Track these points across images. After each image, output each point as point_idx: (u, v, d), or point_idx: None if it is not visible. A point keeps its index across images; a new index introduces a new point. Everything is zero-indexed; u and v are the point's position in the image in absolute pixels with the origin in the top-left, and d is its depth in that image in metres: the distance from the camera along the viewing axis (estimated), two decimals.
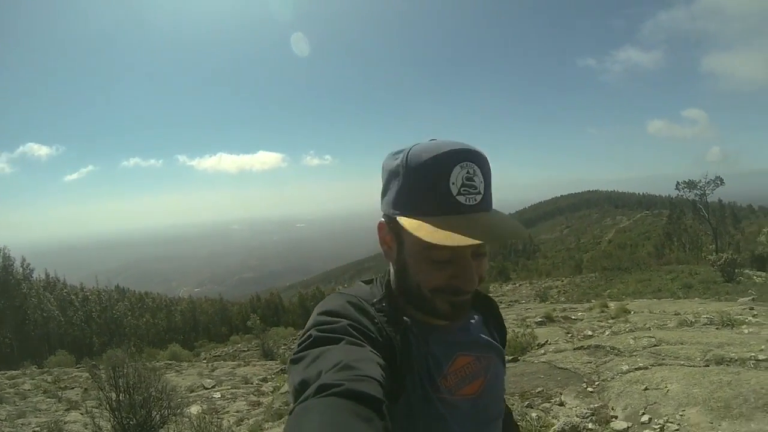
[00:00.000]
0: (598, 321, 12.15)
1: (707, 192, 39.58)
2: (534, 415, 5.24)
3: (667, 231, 53.05)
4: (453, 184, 1.00)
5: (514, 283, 41.75)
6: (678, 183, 40.84)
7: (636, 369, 6.25)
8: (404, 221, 1.03)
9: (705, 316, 10.37)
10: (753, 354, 6.21)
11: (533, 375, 7.08)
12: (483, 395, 1.22)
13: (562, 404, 5.77)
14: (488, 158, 1.09)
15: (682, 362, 6.37)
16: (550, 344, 9.69)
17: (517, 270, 67.34)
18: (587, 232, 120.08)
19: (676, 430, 4.54)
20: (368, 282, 1.27)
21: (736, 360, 6.12)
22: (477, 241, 0.94)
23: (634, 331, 9.36)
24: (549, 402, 5.84)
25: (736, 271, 22.68)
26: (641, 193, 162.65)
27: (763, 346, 6.58)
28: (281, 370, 13.41)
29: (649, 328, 9.55)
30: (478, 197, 1.02)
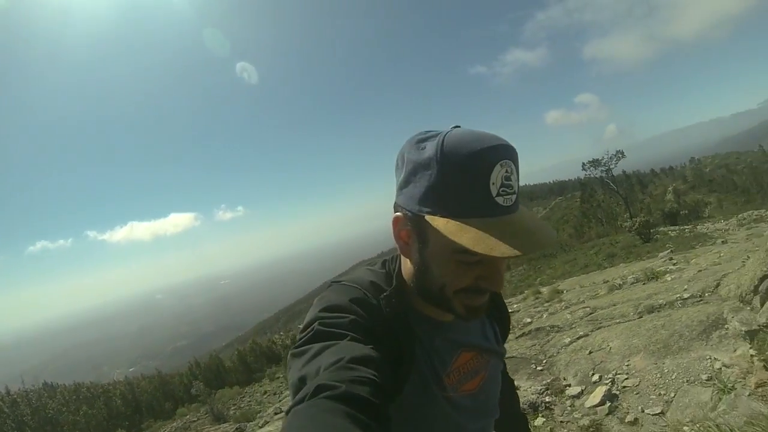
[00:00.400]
0: (534, 307, 12.45)
1: (611, 167, 41.41)
2: None
3: (582, 211, 54.91)
4: (493, 184, 0.92)
5: None
6: (583, 164, 42.60)
7: (577, 338, 6.50)
8: (438, 222, 0.94)
9: (631, 276, 10.86)
10: (678, 295, 6.64)
11: None
12: (482, 391, 1.23)
13: (517, 389, 5.91)
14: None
15: (618, 321, 6.69)
16: None
17: None
18: None
19: (626, 378, 4.76)
20: (373, 266, 1.21)
21: (665, 304, 6.52)
22: (525, 253, 0.88)
23: (569, 307, 9.66)
24: None
25: (651, 231, 23.75)
26: (552, 181, 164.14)
27: (686, 286, 7.04)
28: (237, 429, 13.14)
29: (582, 301, 9.87)
30: (514, 197, 0.96)
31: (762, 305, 4.39)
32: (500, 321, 1.39)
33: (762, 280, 4.51)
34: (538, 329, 8.16)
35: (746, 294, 4.72)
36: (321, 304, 1.04)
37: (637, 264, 14.82)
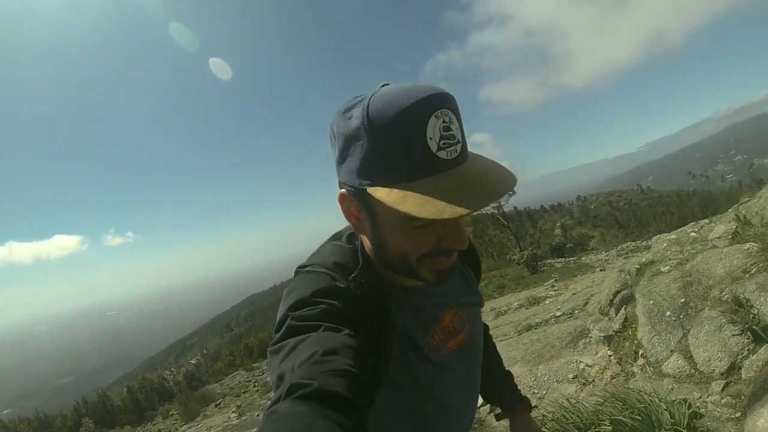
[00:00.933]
0: None
1: (502, 203, 43.27)
2: None
3: (475, 245, 56.94)
4: (431, 139, 0.84)
5: None
6: None
7: None
8: (380, 193, 0.88)
9: (516, 303, 11.84)
10: (552, 314, 7.56)
11: None
12: (467, 343, 1.24)
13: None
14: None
15: (500, 339, 7.44)
16: None
17: None
18: None
19: None
20: (340, 241, 1.16)
21: (541, 323, 7.43)
22: (476, 209, 0.82)
23: None
24: None
25: (538, 263, 25.26)
26: None
27: (559, 306, 7.97)
28: None
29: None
30: (459, 147, 0.88)
31: (616, 314, 5.20)
32: (473, 264, 1.39)
33: (615, 294, 5.34)
34: None
35: (604, 307, 5.53)
36: (290, 297, 1.00)
37: (524, 293, 15.93)
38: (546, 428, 3.67)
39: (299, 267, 1.14)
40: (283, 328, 0.92)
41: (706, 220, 6.41)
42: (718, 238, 5.27)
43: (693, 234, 5.77)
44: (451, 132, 0.86)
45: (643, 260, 5.45)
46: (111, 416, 31.97)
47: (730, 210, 6.57)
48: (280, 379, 0.80)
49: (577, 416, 3.56)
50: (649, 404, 3.23)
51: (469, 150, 0.93)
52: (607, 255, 24.12)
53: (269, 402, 0.75)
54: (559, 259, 28.87)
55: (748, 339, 3.59)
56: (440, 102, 0.86)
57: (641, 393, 3.44)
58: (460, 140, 0.89)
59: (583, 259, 25.59)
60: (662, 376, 3.94)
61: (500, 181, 0.89)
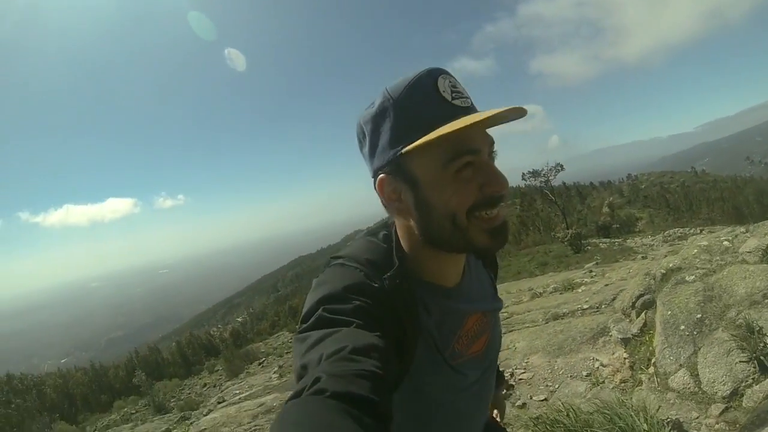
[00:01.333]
0: None
1: (551, 178, 42.67)
2: None
3: (521, 219, 56.45)
4: (444, 92, 0.98)
5: None
6: (523, 174, 43.66)
7: None
8: (414, 145, 0.96)
9: (552, 286, 11.93)
10: (580, 306, 7.67)
11: None
12: (487, 349, 1.27)
13: None
14: None
15: (527, 325, 7.65)
16: None
17: None
18: None
19: (523, 372, 5.65)
20: (376, 238, 1.19)
21: (568, 313, 7.55)
22: (494, 113, 0.92)
23: None
24: None
25: (582, 242, 25.03)
26: None
27: (587, 299, 8.06)
28: (182, 417, 13.40)
29: (506, 306, 10.84)
30: (469, 101, 1.01)
31: (636, 318, 5.31)
32: (492, 265, 1.45)
33: (638, 297, 5.44)
34: None
35: (627, 308, 5.65)
36: (322, 289, 1.01)
37: (563, 274, 16.04)
38: (537, 429, 3.86)
39: (332, 258, 1.18)
40: (313, 318, 0.94)
41: (742, 229, 6.36)
42: (749, 252, 5.23)
43: (726, 243, 5.75)
44: (459, 89, 1.01)
45: (671, 265, 5.48)
46: (160, 369, 33.02)
47: None
48: (303, 369, 0.83)
49: (569, 421, 3.72)
50: (630, 424, 3.35)
51: None
52: (653, 240, 23.82)
53: (291, 392, 0.76)
54: (604, 240, 28.64)
55: (754, 368, 3.63)
56: (442, 71, 1.01)
57: (629, 409, 3.54)
58: (469, 97, 1.03)
59: (628, 241, 25.27)
60: (667, 389, 4.05)
61: (508, 107, 0.95)
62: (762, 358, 3.63)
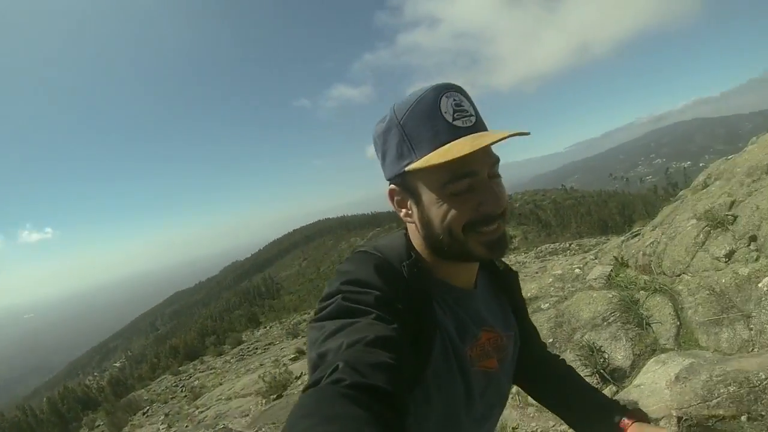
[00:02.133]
0: None
1: None
2: None
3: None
4: (446, 113, 0.99)
5: (265, 327, 42.18)
6: None
7: None
8: (414, 165, 1.01)
9: None
10: None
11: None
12: (498, 372, 1.23)
13: None
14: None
15: None
16: (305, 374, 10.96)
17: (265, 312, 67.57)
18: (325, 260, 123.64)
19: None
20: (400, 232, 1.21)
21: None
22: (491, 141, 0.93)
23: None
24: None
25: None
26: (370, 213, 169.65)
27: None
28: None
29: None
30: (473, 119, 1.02)
31: None
32: (509, 292, 1.40)
33: None
34: None
35: None
36: (345, 276, 1.03)
37: None
38: None
39: (358, 247, 1.18)
40: (332, 305, 0.94)
41: (591, 256, 7.03)
42: (595, 279, 5.91)
43: (577, 270, 6.40)
44: (463, 107, 1.01)
45: (529, 294, 6.05)
46: (33, 430, 30.40)
47: (622, 237, 7.21)
48: (321, 358, 0.82)
49: None
50: None
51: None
52: (526, 257, 24.93)
53: (308, 381, 0.76)
54: None
55: (597, 380, 4.27)
56: (448, 87, 1.02)
57: None
58: (474, 115, 1.03)
59: (503, 259, 26.44)
60: (527, 404, 4.56)
61: (513, 130, 0.96)
62: (602, 371, 4.28)
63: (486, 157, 1.01)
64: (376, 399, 0.69)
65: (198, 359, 34.22)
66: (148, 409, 20.59)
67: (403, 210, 1.12)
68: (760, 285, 4.02)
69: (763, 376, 3.05)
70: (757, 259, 4.32)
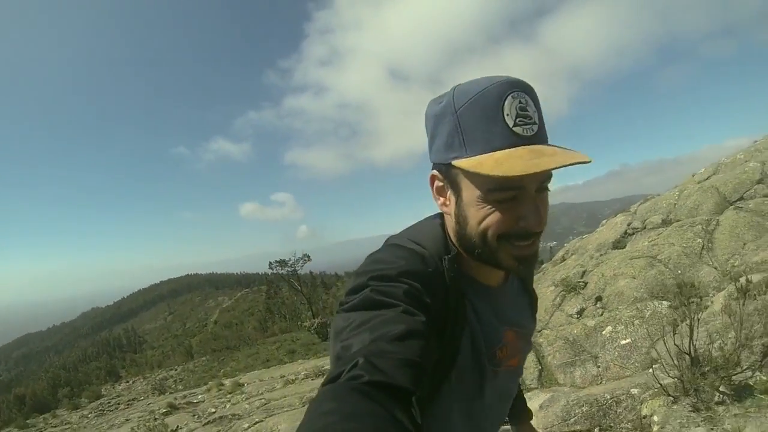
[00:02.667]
0: (218, 398, 13.75)
1: (297, 268, 44.17)
2: None
3: (267, 306, 57.17)
4: (507, 115, 0.91)
5: (127, 381, 39.24)
6: (270, 263, 44.69)
7: (254, 424, 7.99)
8: (462, 163, 0.94)
9: (303, 373, 12.88)
10: None
11: None
12: (517, 369, 1.27)
13: None
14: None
15: (286, 409, 8.46)
16: (181, 428, 11.07)
17: (126, 366, 62.88)
18: (191, 316, 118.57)
19: None
20: (438, 219, 1.16)
21: None
22: (549, 168, 0.86)
23: (249, 399, 11.30)
24: None
25: (328, 330, 26.48)
26: (239, 273, 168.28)
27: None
28: None
29: (261, 393, 11.52)
30: (535, 127, 0.93)
31: None
32: (532, 296, 1.39)
33: None
34: (221, 417, 9.63)
35: None
36: (375, 266, 1.00)
37: (312, 361, 17.02)
38: None
39: (392, 236, 1.15)
40: (360, 297, 0.92)
41: None
42: None
43: None
44: (527, 113, 0.92)
45: None
46: None
47: None
48: (344, 350, 0.81)
49: None
50: None
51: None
52: None
53: (329, 375, 0.75)
54: None
55: None
56: (517, 86, 0.93)
57: None
58: (537, 122, 0.94)
59: None
60: None
61: (574, 154, 0.90)
62: None
63: (537, 177, 0.95)
64: (394, 397, 0.69)
65: (50, 413, 31.53)
66: None
67: (442, 199, 1.09)
68: (604, 332, 5.08)
69: (608, 397, 4.00)
70: (601, 314, 5.46)
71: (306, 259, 43.73)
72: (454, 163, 0.96)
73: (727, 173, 8.53)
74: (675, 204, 8.29)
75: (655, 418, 3.71)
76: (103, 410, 25.07)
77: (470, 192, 0.98)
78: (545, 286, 7.13)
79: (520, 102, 0.92)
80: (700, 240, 6.56)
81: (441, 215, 1.16)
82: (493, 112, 0.92)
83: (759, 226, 6.46)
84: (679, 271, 6.02)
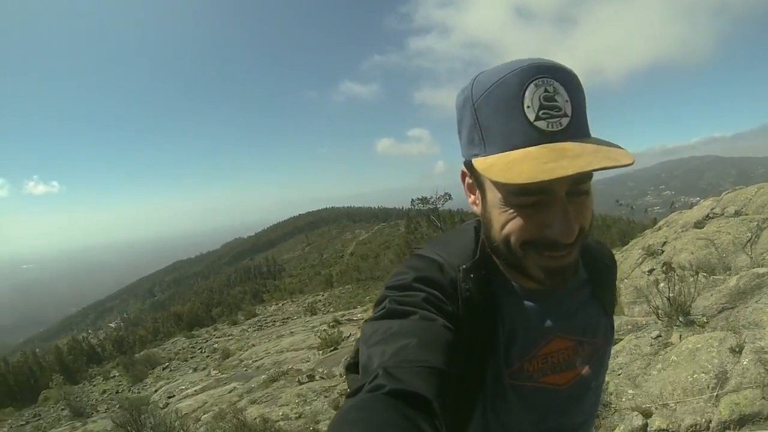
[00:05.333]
0: None
1: (439, 206, 45.67)
2: None
3: (406, 240, 59.32)
4: (528, 107, 0.79)
5: (276, 303, 43.32)
6: (413, 200, 45.73)
7: None
8: (477, 163, 0.87)
9: None
10: None
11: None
12: (572, 389, 1.06)
13: None
14: (576, 74, 0.85)
15: None
16: (353, 335, 13.79)
17: (269, 291, 69.14)
18: (329, 247, 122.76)
19: None
20: (472, 224, 1.08)
21: None
22: (565, 174, 0.73)
23: None
24: None
25: None
26: (377, 207, 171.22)
27: None
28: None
29: None
30: (565, 120, 0.80)
31: None
32: (603, 289, 1.16)
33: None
34: None
35: None
36: (395, 278, 0.98)
37: None
38: None
39: (416, 247, 1.10)
40: (382, 309, 0.92)
41: None
42: None
43: None
44: (556, 103, 0.80)
45: None
46: (35, 377, 30.41)
47: None
48: (369, 360, 0.81)
49: None
50: None
51: (592, 135, 0.86)
52: None
53: (352, 388, 0.77)
54: None
55: None
56: (543, 70, 0.82)
57: None
58: (569, 114, 0.81)
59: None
60: None
61: (608, 155, 0.77)
62: None
63: (566, 180, 0.82)
64: (416, 405, 0.69)
65: (211, 326, 35.85)
66: (167, 365, 22.33)
67: (472, 197, 1.01)
68: (660, 286, 7.35)
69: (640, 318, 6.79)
70: (663, 273, 8.03)
71: (447, 197, 44.76)
72: (474, 162, 0.90)
73: None
74: (750, 199, 9.92)
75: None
76: (261, 326, 28.99)
77: (493, 193, 0.90)
78: (636, 249, 9.86)
79: (546, 90, 0.81)
80: (750, 234, 8.44)
81: (473, 224, 1.10)
82: (511, 104, 0.82)
83: None
84: (724, 255, 8.19)
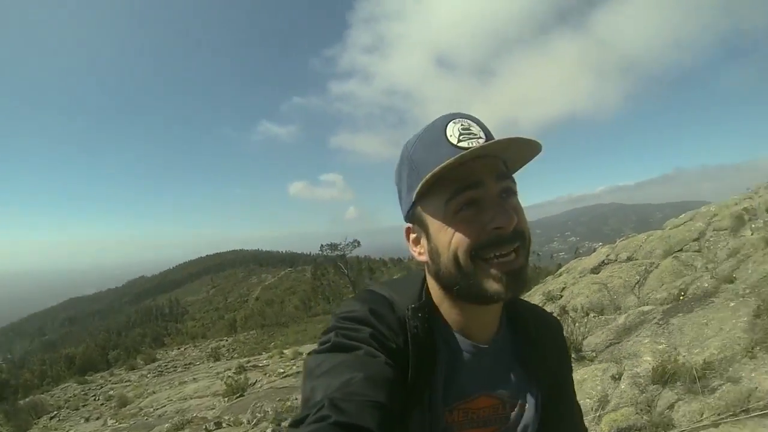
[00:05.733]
0: (283, 363, 16.58)
1: (347, 252, 46.00)
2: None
3: (312, 286, 59.21)
4: (451, 136, 0.95)
5: (178, 347, 42.79)
6: (322, 246, 46.62)
7: None
8: (416, 191, 0.96)
9: None
10: None
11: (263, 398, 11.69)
12: None
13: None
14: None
15: None
16: (259, 381, 13.86)
17: (171, 334, 67.75)
18: (234, 291, 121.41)
19: None
20: (416, 275, 1.15)
21: None
22: (476, 146, 0.91)
23: None
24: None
25: None
26: (284, 251, 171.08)
27: None
28: None
29: None
30: (481, 140, 0.96)
31: None
32: (543, 358, 1.19)
33: None
34: (294, 374, 12.90)
35: None
36: (344, 311, 1.03)
37: None
38: None
39: (368, 284, 1.21)
40: (327, 340, 0.96)
41: None
42: None
43: None
44: (472, 131, 0.96)
45: None
46: None
47: None
48: (312, 392, 0.85)
49: None
50: None
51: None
52: None
53: (294, 417, 0.80)
54: None
55: None
56: (458, 115, 1.00)
57: None
58: (483, 137, 0.97)
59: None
60: None
61: (510, 136, 0.90)
62: None
63: (492, 169, 0.95)
64: None
65: (107, 371, 33.79)
66: (55, 414, 20.55)
67: (417, 248, 1.07)
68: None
69: None
70: (559, 317, 8.47)
71: (356, 244, 45.40)
72: (414, 197, 0.99)
73: (681, 228, 11.30)
74: (641, 245, 11.19)
75: None
76: (161, 371, 28.04)
77: (434, 221, 0.98)
78: (537, 295, 10.58)
79: (462, 125, 0.97)
80: (638, 277, 9.54)
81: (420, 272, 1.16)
82: (438, 139, 0.97)
83: (678, 272, 9.29)
84: (615, 297, 9.10)
